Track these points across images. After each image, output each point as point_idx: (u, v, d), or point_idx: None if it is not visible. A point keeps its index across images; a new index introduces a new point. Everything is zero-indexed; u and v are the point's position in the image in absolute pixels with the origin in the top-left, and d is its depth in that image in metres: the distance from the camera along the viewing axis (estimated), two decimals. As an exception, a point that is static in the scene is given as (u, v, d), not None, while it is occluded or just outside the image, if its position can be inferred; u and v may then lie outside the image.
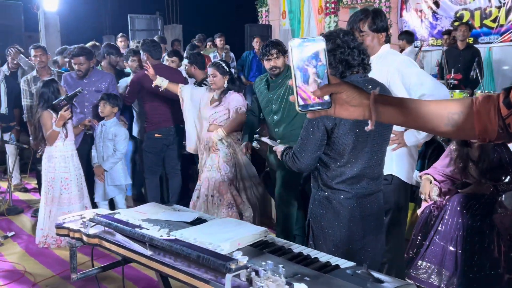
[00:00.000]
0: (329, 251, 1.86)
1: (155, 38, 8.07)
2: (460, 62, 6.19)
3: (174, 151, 4.51)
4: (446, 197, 3.31)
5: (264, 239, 1.53)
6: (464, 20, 7.91)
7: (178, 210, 1.89)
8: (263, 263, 1.12)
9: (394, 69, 2.58)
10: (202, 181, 3.79)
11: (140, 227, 1.52)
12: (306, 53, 0.97)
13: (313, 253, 1.43)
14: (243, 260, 1.16)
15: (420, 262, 3.11)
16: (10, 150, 5.54)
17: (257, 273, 1.13)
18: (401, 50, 6.99)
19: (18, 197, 5.50)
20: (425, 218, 3.30)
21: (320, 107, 0.98)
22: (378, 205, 2.09)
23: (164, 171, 4.69)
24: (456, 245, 2.96)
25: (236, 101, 3.74)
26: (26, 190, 5.83)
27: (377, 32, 2.60)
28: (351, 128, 1.95)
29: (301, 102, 0.97)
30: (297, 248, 1.48)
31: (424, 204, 3.43)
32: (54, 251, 3.98)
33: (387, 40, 2.68)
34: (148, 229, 1.48)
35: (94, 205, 4.32)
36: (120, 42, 7.47)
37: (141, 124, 4.77)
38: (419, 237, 3.31)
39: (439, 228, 3.18)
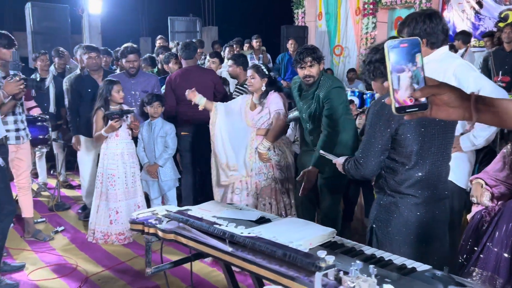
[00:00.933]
0: None
1: (194, 41, 8.25)
2: (508, 64, 6.01)
3: (206, 150, 4.52)
4: (499, 202, 3.23)
5: (332, 240, 1.54)
6: (509, 21, 7.69)
7: (240, 209, 1.92)
8: (352, 263, 1.13)
9: (451, 73, 2.51)
10: (252, 186, 3.74)
11: (215, 223, 1.56)
12: (402, 55, 0.97)
13: (385, 255, 1.43)
14: (330, 259, 1.17)
15: (472, 268, 3.05)
16: (58, 148, 5.75)
17: (345, 273, 1.14)
18: (456, 51, 6.81)
19: (65, 194, 5.69)
20: (476, 224, 3.22)
21: (417, 109, 0.98)
22: (445, 212, 2.07)
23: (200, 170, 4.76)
24: (511, 252, 2.88)
25: (275, 103, 3.64)
26: (71, 187, 6.03)
27: (424, 38, 2.48)
28: (415, 127, 1.93)
29: (397, 105, 0.98)
30: (368, 249, 1.48)
31: (474, 209, 3.36)
32: (102, 246, 4.11)
33: (433, 43, 2.51)
34: (226, 226, 1.52)
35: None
36: (158, 44, 7.62)
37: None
38: (469, 243, 3.24)
39: (492, 234, 3.10)
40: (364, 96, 7.30)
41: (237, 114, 3.77)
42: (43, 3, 7.51)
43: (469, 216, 3.51)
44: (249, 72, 3.71)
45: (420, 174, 1.97)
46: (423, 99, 0.97)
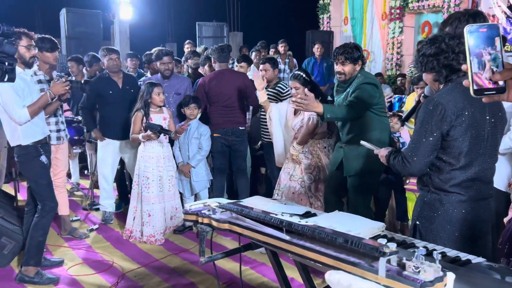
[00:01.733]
0: None
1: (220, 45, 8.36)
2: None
3: (239, 152, 4.60)
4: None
5: (382, 233, 1.57)
6: (542, 25, 7.56)
7: (285, 204, 1.96)
8: (415, 250, 1.16)
9: None
10: (284, 189, 3.83)
11: (270, 213, 1.60)
12: (481, 39, 1.00)
13: (438, 247, 1.44)
14: (392, 246, 1.20)
15: (510, 271, 3.01)
16: (90, 149, 5.89)
17: (408, 259, 1.16)
18: None
19: (97, 194, 5.81)
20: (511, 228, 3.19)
21: (494, 92, 1.00)
22: (490, 211, 2.06)
23: (231, 172, 4.84)
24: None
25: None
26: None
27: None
28: (467, 129, 1.93)
29: (476, 87, 1.00)
30: (419, 243, 1.50)
31: (511, 213, 3.32)
32: (137, 245, 4.19)
33: None
34: (282, 215, 1.56)
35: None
36: (186, 48, 7.72)
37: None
38: (506, 246, 3.21)
39: (531, 238, 3.07)
40: (392, 100, 7.27)
41: (281, 113, 3.97)
42: (77, 9, 7.75)
43: (505, 220, 3.47)
44: (291, 83, 3.76)
45: (466, 174, 1.98)
46: (501, 83, 0.99)
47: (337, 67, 3.33)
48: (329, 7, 10.84)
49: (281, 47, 8.42)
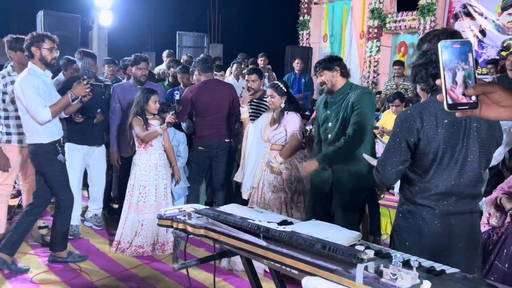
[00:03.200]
0: None
1: (202, 56, 8.36)
2: (510, 91, 6.13)
3: (221, 164, 4.54)
4: (506, 222, 3.29)
5: (358, 243, 1.56)
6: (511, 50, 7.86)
7: (261, 212, 1.94)
8: (393, 256, 1.16)
9: None
10: (260, 198, 3.80)
11: (248, 218, 1.57)
12: (454, 55, 1.03)
13: (413, 258, 1.45)
14: (370, 253, 1.19)
15: (480, 286, 3.06)
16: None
17: (386, 266, 1.16)
18: None
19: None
20: (483, 243, 3.26)
21: (467, 107, 1.03)
22: (469, 226, 2.02)
23: (212, 184, 4.79)
24: (520, 270, 2.92)
25: (292, 124, 3.75)
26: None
27: None
28: (438, 144, 1.94)
29: (450, 102, 1.02)
30: (395, 253, 1.50)
31: (482, 229, 3.40)
32: (106, 253, 4.08)
33: None
34: (259, 221, 1.53)
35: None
36: (167, 58, 7.67)
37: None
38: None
39: (500, 253, 3.15)
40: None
41: (258, 131, 3.92)
42: (55, 12, 7.60)
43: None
44: (268, 91, 3.80)
45: (436, 189, 1.98)
46: (474, 98, 1.02)
47: (318, 80, 3.39)
48: (309, 23, 11.00)
49: (260, 61, 8.47)
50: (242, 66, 8.30)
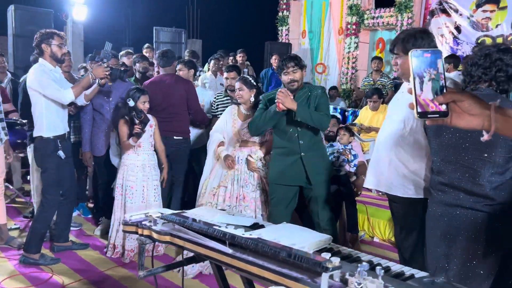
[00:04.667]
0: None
1: (186, 52, 8.23)
2: (484, 87, 6.21)
3: (175, 163, 4.37)
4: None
5: (328, 246, 1.54)
6: (486, 47, 7.98)
7: (233, 215, 1.90)
8: (358, 265, 1.13)
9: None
10: (248, 202, 3.72)
11: (215, 224, 1.53)
12: (425, 63, 1.02)
13: (383, 261, 1.43)
14: (335, 261, 1.16)
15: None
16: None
17: (351, 275, 1.13)
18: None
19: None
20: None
21: (437, 115, 1.02)
22: (473, 224, 2.03)
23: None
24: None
25: None
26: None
27: None
28: (438, 132, 2.10)
29: (420, 110, 1.02)
30: (365, 256, 1.48)
31: None
32: (81, 256, 3.99)
33: None
34: (226, 228, 1.49)
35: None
36: (145, 53, 7.55)
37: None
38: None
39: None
40: (346, 113, 7.42)
41: (222, 131, 3.85)
42: (27, 7, 7.40)
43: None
44: (237, 84, 3.74)
45: (439, 178, 2.16)
46: (444, 107, 1.01)
47: (289, 76, 3.33)
48: (288, 19, 10.98)
49: (239, 57, 8.41)
50: (221, 62, 8.23)
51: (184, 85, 4.43)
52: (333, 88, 8.97)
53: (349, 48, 9.73)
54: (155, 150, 4.10)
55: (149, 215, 1.74)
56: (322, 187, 3.41)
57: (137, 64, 5.21)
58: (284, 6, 11.01)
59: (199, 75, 7.69)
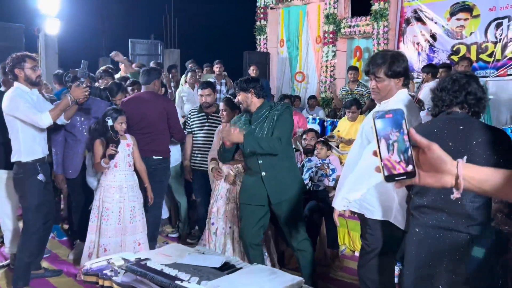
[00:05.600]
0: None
1: (152, 63, 8.11)
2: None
3: (152, 182, 4.15)
4: None
5: (300, 290, 1.48)
6: (460, 54, 8.09)
7: (203, 253, 1.83)
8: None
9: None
10: (221, 215, 3.73)
11: (177, 278, 1.44)
12: (388, 124, 0.99)
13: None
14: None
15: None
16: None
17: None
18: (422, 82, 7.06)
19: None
20: None
21: (405, 177, 0.98)
22: (456, 245, 2.04)
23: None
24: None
25: None
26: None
27: (394, 78, 2.53)
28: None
29: (386, 173, 0.97)
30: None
31: None
32: (54, 284, 3.85)
33: (405, 84, 2.59)
34: (189, 282, 1.41)
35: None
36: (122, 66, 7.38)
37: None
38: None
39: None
40: (325, 123, 7.41)
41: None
42: (-4, 22, 7.22)
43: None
44: (221, 105, 3.86)
45: (421, 200, 2.13)
46: (410, 167, 0.97)
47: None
48: (265, 28, 10.95)
49: (216, 68, 8.32)
50: (200, 74, 8.15)
51: (164, 104, 4.32)
52: (312, 97, 8.96)
53: (327, 56, 9.75)
54: (135, 170, 3.98)
55: (111, 262, 1.65)
56: (286, 206, 3.33)
57: (100, 81, 5.05)
58: (261, 15, 10.99)
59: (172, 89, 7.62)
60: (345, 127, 5.96)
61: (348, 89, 7.73)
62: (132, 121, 4.12)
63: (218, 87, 8.33)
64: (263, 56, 10.70)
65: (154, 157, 4.21)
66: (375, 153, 0.98)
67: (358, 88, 7.63)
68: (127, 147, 3.91)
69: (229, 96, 4.07)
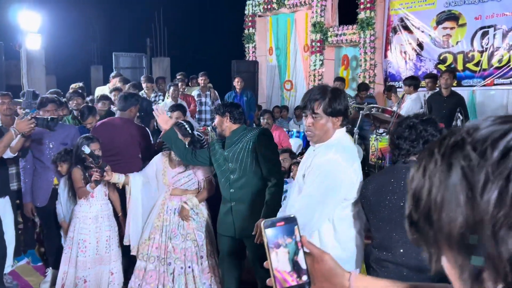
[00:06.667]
0: None
1: (142, 78, 8.06)
2: (445, 109, 6.17)
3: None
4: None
5: None
6: (447, 63, 7.99)
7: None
8: None
9: (317, 164, 2.26)
10: (178, 254, 3.59)
11: None
12: (280, 232, 0.92)
13: None
14: None
15: None
16: None
17: None
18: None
19: None
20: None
21: None
22: None
23: None
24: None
25: (203, 169, 3.64)
26: None
27: (333, 116, 2.25)
28: (372, 209, 2.09)
29: (278, 286, 0.89)
30: None
31: None
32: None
33: (344, 124, 2.32)
34: None
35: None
36: (112, 81, 7.30)
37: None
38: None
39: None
40: (310, 136, 7.31)
41: (152, 179, 3.70)
42: (-27, 41, 7.16)
43: None
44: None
45: (379, 254, 2.14)
46: (305, 277, 0.90)
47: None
48: (254, 37, 10.87)
49: (201, 80, 8.25)
50: (184, 86, 8.07)
51: (134, 129, 4.25)
52: (298, 107, 8.88)
53: (314, 65, 9.67)
54: (109, 199, 3.91)
55: None
56: (250, 242, 3.15)
57: (70, 102, 4.97)
58: (249, 24, 10.91)
59: (155, 100, 7.56)
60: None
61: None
62: (102, 147, 4.06)
63: (203, 99, 8.29)
64: (251, 65, 10.63)
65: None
66: (266, 264, 0.91)
67: (343, 100, 7.53)
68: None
69: (181, 121, 3.97)
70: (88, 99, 5.90)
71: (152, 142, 4.55)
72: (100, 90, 6.82)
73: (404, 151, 2.15)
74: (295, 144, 6.58)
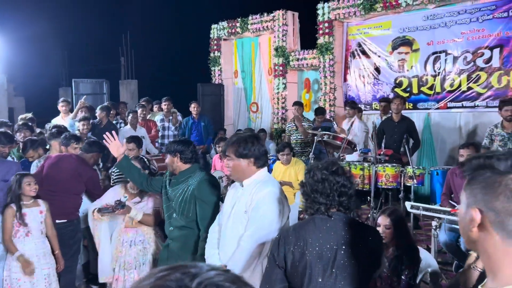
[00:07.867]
0: None
1: (106, 103, 8.07)
2: (396, 134, 6.32)
3: (61, 249, 4.01)
4: None
5: None
6: (403, 87, 8.21)
7: None
8: None
9: (256, 200, 2.61)
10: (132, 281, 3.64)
11: None
12: None
13: None
14: None
15: None
16: None
17: None
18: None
19: None
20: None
21: None
22: None
23: None
24: None
25: (153, 199, 3.80)
26: None
27: (243, 158, 2.66)
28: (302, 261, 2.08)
29: None
30: None
31: None
32: None
33: (260, 165, 2.69)
34: None
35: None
36: (61, 107, 7.25)
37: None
38: None
39: None
40: (269, 160, 7.39)
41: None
42: None
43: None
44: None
45: None
46: None
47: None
48: (219, 60, 10.98)
49: (164, 105, 8.31)
50: (145, 112, 8.08)
51: (78, 166, 4.21)
52: (262, 130, 8.96)
53: (278, 88, 9.80)
54: (47, 236, 3.85)
55: None
56: None
57: (18, 133, 4.94)
58: (215, 47, 11.02)
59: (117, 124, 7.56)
60: (280, 171, 5.94)
61: (293, 124, 7.73)
62: (47, 178, 4.07)
63: (166, 124, 8.33)
64: (217, 88, 10.71)
65: (57, 221, 4.02)
66: None
67: (303, 124, 7.64)
68: (40, 214, 3.79)
69: (142, 156, 4.05)
70: (38, 131, 5.84)
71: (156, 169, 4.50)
72: (56, 121, 6.76)
73: (323, 206, 2.15)
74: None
